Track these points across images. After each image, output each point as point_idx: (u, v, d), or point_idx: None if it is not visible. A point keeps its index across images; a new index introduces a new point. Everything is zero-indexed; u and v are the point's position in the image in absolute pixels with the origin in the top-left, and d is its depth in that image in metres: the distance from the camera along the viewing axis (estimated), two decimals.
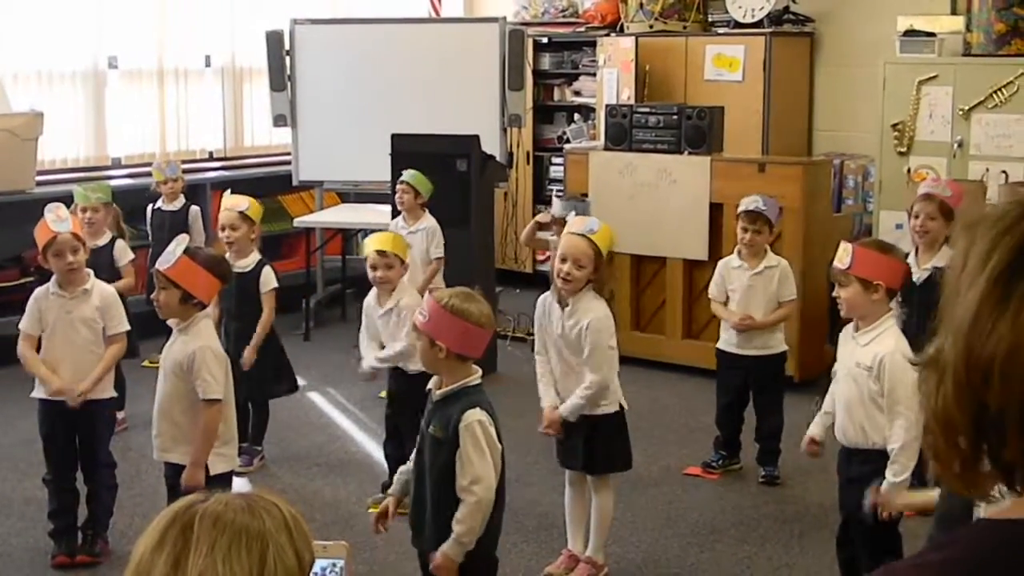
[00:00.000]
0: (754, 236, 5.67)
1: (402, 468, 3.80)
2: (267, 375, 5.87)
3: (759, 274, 5.72)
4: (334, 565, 1.81)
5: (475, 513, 3.47)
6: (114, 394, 4.99)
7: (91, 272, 4.90)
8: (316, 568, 1.74)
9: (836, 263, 4.08)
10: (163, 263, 4.22)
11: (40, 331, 4.78)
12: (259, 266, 5.85)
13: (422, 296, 4.99)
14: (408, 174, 6.76)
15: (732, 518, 5.35)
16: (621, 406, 4.64)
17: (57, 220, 4.73)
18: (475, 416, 3.46)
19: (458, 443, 3.46)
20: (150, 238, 7.46)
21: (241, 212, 5.85)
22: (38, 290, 4.88)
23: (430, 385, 3.65)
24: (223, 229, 5.87)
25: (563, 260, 4.42)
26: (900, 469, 3.94)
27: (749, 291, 5.73)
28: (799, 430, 5.85)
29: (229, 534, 1.53)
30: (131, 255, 6.49)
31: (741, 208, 5.72)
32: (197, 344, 4.22)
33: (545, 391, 4.61)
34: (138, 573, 1.54)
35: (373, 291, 5.39)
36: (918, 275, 5.28)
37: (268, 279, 5.85)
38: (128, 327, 4.95)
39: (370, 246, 5.29)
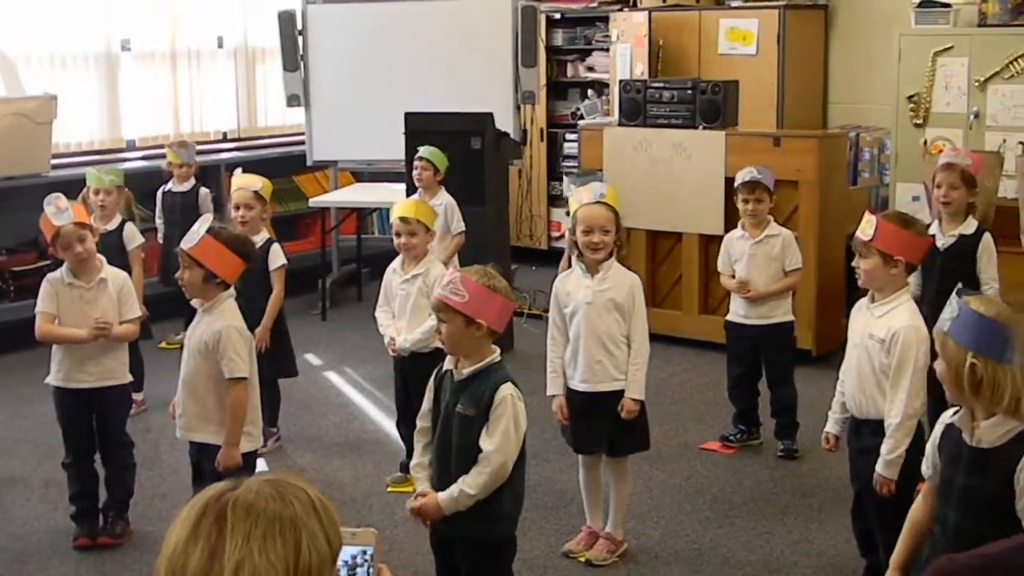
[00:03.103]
0: (756, 205, 5.79)
1: (414, 466, 3.70)
2: (269, 355, 5.71)
3: (760, 243, 5.81)
4: (364, 552, 1.78)
5: (489, 482, 3.45)
6: (129, 378, 4.98)
7: (103, 259, 4.87)
8: (346, 556, 1.73)
9: (859, 234, 4.05)
10: (187, 242, 4.21)
11: (56, 312, 4.75)
12: (267, 244, 5.83)
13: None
14: (425, 150, 6.75)
15: (751, 493, 5.35)
16: None
17: (57, 212, 4.67)
18: (510, 390, 3.46)
19: (488, 418, 3.45)
20: (161, 220, 7.48)
21: (255, 192, 5.85)
22: (51, 275, 4.82)
23: (447, 365, 3.60)
24: (237, 208, 5.84)
25: (588, 231, 4.43)
26: (895, 445, 3.90)
27: (751, 260, 5.81)
28: (818, 404, 5.87)
29: (263, 523, 1.52)
30: (141, 239, 6.43)
31: (738, 182, 5.86)
32: (222, 324, 4.21)
33: (553, 382, 4.62)
34: (172, 565, 1.52)
35: (399, 258, 5.35)
36: (943, 242, 5.32)
37: (276, 256, 5.84)
38: (139, 313, 4.95)
39: (394, 213, 5.32)
